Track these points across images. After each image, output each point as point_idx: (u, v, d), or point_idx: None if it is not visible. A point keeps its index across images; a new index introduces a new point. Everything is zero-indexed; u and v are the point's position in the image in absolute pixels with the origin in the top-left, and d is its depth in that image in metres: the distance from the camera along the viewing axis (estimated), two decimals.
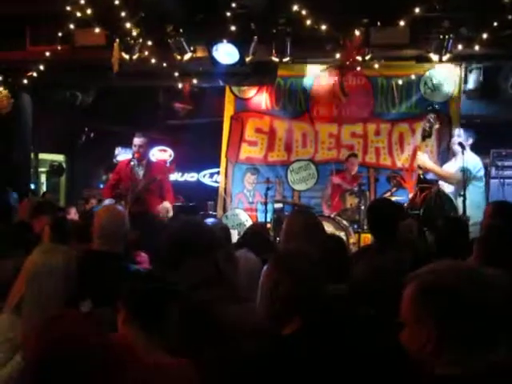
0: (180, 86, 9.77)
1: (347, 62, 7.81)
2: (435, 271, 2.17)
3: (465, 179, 8.13)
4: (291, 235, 5.48)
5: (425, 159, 8.55)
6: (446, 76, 10.74)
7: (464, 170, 8.20)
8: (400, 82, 11.03)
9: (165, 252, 3.71)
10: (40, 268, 3.49)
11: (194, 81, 9.61)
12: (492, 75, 10.53)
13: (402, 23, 7.24)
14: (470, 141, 8.82)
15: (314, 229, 5.59)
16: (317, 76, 11.42)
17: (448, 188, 8.64)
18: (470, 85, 10.74)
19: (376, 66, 8.53)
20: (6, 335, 3.37)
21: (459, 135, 8.72)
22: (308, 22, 7.26)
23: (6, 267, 3.90)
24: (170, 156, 14.25)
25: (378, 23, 7.24)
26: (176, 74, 9.11)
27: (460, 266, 2.24)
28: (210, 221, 5.63)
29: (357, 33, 7.27)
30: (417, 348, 2.12)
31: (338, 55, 7.91)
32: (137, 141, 9.25)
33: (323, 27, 7.31)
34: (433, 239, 6.09)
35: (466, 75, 10.72)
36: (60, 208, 9.86)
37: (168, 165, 9.39)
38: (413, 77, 10.85)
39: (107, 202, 9.16)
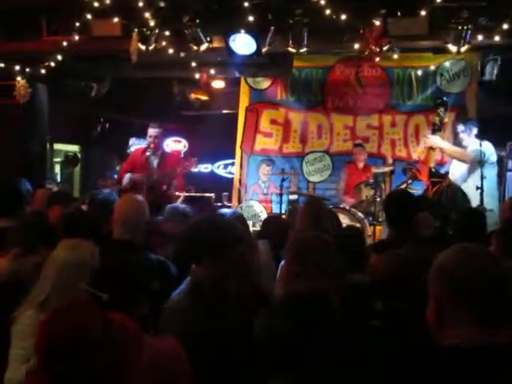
0: (197, 76, 9.71)
1: (366, 53, 7.71)
2: (447, 252, 2.33)
3: (482, 170, 8.09)
4: (304, 224, 5.48)
5: (436, 139, 8.52)
6: (463, 67, 10.66)
7: (478, 153, 8.20)
8: (416, 73, 10.96)
9: (186, 248, 3.69)
10: (67, 265, 3.47)
11: (212, 71, 9.53)
12: (509, 66, 10.43)
13: (422, 13, 7.14)
14: (475, 130, 8.79)
15: (325, 217, 5.60)
16: (332, 67, 11.38)
17: (459, 170, 8.61)
18: (487, 76, 10.64)
19: (395, 56, 8.41)
20: (30, 332, 3.35)
21: (463, 130, 8.72)
22: (327, 12, 7.17)
23: (28, 264, 3.88)
24: (185, 147, 14.26)
25: (398, 13, 7.15)
26: (194, 64, 9.04)
27: (468, 249, 2.32)
28: (226, 211, 5.60)
29: (377, 23, 7.18)
30: (428, 322, 2.28)
31: (356, 45, 7.82)
32: (152, 131, 9.27)
33: (342, 17, 7.22)
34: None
35: (482, 66, 10.62)
36: (74, 198, 9.88)
37: (192, 159, 9.38)
38: (430, 68, 10.77)
39: (128, 175, 9.17)
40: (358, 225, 9.41)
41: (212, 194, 11.29)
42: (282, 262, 4.84)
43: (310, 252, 3.52)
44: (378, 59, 8.30)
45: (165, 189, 9.16)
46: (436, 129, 8.36)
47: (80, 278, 3.42)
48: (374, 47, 7.38)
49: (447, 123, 9.51)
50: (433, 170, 8.30)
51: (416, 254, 3.62)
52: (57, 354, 2.24)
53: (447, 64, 10.72)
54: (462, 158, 8.52)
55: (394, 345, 2.83)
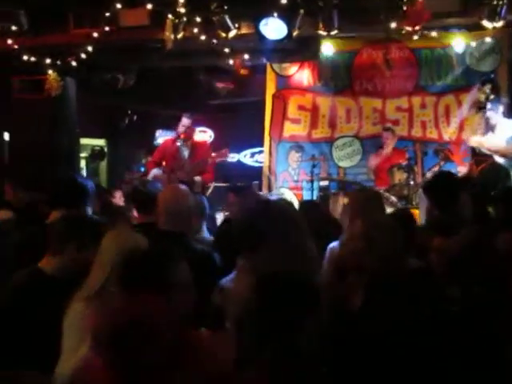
0: (231, 62, 9.63)
1: (404, 32, 7.58)
2: None
3: None
4: (355, 213, 5.36)
5: (480, 141, 8.39)
6: (493, 45, 10.49)
7: None
8: (445, 52, 10.81)
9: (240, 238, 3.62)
10: (118, 254, 3.40)
11: (246, 56, 9.44)
12: None
13: None
14: (501, 108, 8.65)
15: (376, 204, 5.48)
16: (359, 50, 11.26)
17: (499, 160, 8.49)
18: None
19: (434, 34, 8.26)
20: (79, 325, 3.29)
21: (489, 108, 8.56)
22: None
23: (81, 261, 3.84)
24: (210, 137, 14.20)
25: None
26: (227, 50, 8.96)
27: None
28: (273, 197, 5.56)
29: None
30: None
31: (393, 25, 7.68)
32: (185, 121, 9.30)
33: None
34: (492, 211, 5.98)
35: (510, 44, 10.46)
36: (107, 190, 9.88)
37: (223, 150, 9.40)
38: (459, 47, 10.59)
39: (155, 171, 9.17)
40: (391, 209, 9.31)
41: (256, 182, 11.20)
42: (331, 245, 4.79)
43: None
44: (415, 37, 8.10)
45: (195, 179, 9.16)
46: (482, 107, 8.21)
47: None
48: (415, 26, 7.22)
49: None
50: (476, 149, 8.14)
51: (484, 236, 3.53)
52: (119, 343, 2.19)
53: (477, 42, 10.53)
54: (508, 155, 8.34)
55: (479, 331, 2.75)
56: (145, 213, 5.28)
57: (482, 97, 8.18)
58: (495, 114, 8.62)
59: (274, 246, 3.47)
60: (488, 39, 10.33)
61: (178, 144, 9.31)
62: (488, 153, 8.44)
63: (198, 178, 9.35)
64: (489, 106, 8.69)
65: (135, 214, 6.14)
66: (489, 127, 8.52)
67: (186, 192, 4.80)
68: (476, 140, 8.37)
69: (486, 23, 7.64)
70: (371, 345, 2.78)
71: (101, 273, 3.42)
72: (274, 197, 6.71)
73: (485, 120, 8.79)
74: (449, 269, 3.33)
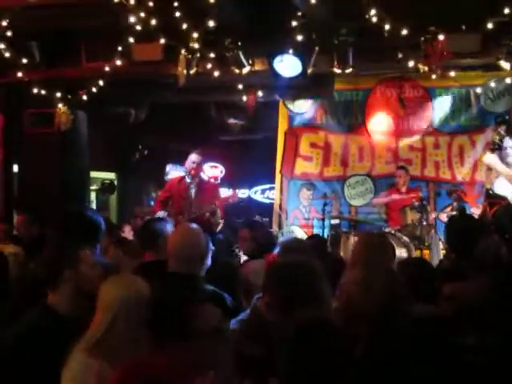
0: (244, 99, 9.56)
1: (422, 70, 7.49)
2: None
3: None
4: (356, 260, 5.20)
5: (495, 160, 8.20)
6: (508, 86, 10.40)
7: None
8: (460, 92, 10.74)
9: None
10: (119, 304, 3.27)
11: (260, 93, 9.38)
12: None
13: (476, 29, 6.95)
14: None
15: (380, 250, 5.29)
16: (373, 88, 11.20)
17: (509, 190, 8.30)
18: None
19: (452, 74, 8.18)
20: (80, 378, 3.17)
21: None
22: (386, 27, 6.95)
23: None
24: (221, 172, 14.13)
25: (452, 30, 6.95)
26: (240, 86, 8.90)
27: None
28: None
29: (440, 37, 6.95)
30: None
31: (411, 63, 7.59)
32: (195, 157, 9.16)
33: (403, 32, 6.98)
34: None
35: None
36: (117, 226, 9.78)
37: (233, 192, 9.36)
38: (473, 87, 10.54)
39: (161, 214, 9.05)
40: (403, 249, 9.18)
41: (266, 219, 11.09)
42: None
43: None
44: (434, 76, 8.01)
45: (207, 217, 9.02)
46: (496, 148, 8.05)
47: (133, 317, 3.25)
48: (434, 64, 7.14)
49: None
50: (490, 191, 7.97)
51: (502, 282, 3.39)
52: None
53: (491, 83, 10.45)
54: None
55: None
56: (150, 250, 5.18)
57: (497, 138, 8.00)
58: None
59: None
60: (503, 80, 10.24)
61: (187, 181, 9.18)
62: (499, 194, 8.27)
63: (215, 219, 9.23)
64: (510, 143, 8.44)
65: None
66: (505, 163, 8.33)
67: (199, 233, 4.67)
68: (490, 159, 8.20)
69: (503, 64, 7.54)
70: None
71: (101, 322, 3.28)
72: (285, 236, 6.63)
73: (500, 157, 8.59)
74: (464, 316, 3.19)
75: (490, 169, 8.30)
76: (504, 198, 8.18)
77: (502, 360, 2.77)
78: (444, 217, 10.07)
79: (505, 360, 2.75)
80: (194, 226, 4.85)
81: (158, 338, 2.92)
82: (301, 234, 11.15)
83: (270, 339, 3.08)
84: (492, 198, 8.18)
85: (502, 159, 8.51)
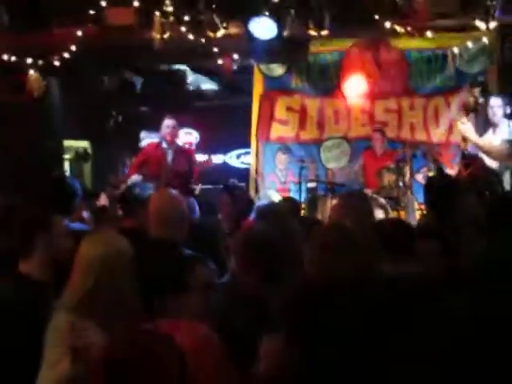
0: (220, 62, 9.46)
1: (401, 32, 7.44)
2: None
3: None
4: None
5: (467, 128, 8.17)
6: (482, 47, 10.37)
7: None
8: (434, 54, 10.71)
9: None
10: (97, 262, 3.23)
11: (235, 56, 9.28)
12: None
13: None
14: (509, 109, 8.44)
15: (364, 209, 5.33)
16: (348, 51, 11.12)
17: (492, 164, 8.29)
18: (507, 54, 10.37)
19: (429, 35, 8.12)
20: (62, 339, 3.14)
21: (500, 105, 8.29)
22: None
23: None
24: (196, 138, 14.02)
25: None
26: (216, 49, 8.81)
27: None
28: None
29: None
30: None
31: (388, 25, 7.55)
32: (169, 122, 9.10)
33: None
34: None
35: (502, 45, 10.35)
36: (93, 193, 9.69)
37: (207, 159, 9.32)
38: (448, 49, 10.51)
39: (135, 177, 8.98)
40: (380, 211, 9.22)
41: (243, 183, 11.05)
42: None
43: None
44: (411, 38, 7.97)
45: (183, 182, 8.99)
46: (471, 110, 8.03)
47: (116, 274, 3.23)
48: (412, 26, 7.09)
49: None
50: (465, 152, 7.97)
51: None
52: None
53: (466, 44, 10.42)
54: (493, 155, 8.06)
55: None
56: (132, 216, 5.14)
57: (472, 100, 7.98)
58: (501, 113, 8.30)
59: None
60: (478, 40, 10.23)
61: (164, 147, 9.12)
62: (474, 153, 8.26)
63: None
64: (499, 102, 8.34)
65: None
66: (490, 124, 8.28)
67: (180, 198, 4.66)
68: (463, 127, 8.16)
69: (479, 24, 7.52)
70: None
71: (82, 280, 3.23)
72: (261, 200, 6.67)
73: (491, 122, 8.49)
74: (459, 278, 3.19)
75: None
76: (479, 158, 8.20)
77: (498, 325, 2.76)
78: (420, 178, 10.13)
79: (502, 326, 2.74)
80: (174, 191, 4.84)
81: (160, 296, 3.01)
82: (277, 198, 11.10)
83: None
84: (467, 159, 8.20)
85: (478, 124, 8.50)
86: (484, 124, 9.31)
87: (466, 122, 8.15)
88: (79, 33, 8.33)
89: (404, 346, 2.65)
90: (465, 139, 7.97)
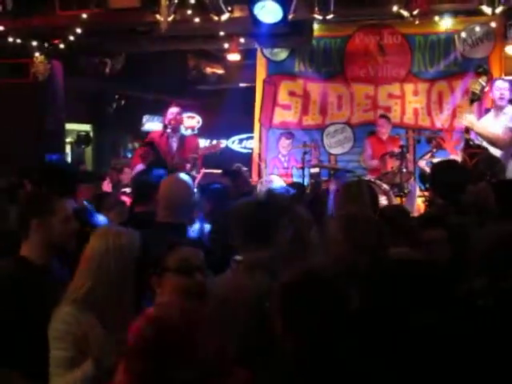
0: (226, 46, 9.42)
1: (406, 17, 7.40)
2: None
3: None
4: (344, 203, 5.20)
5: (473, 120, 8.08)
6: (486, 32, 10.35)
7: None
8: (438, 39, 10.67)
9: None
10: (105, 254, 3.22)
11: (242, 40, 9.24)
12: None
13: None
14: (510, 95, 8.34)
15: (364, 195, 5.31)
16: (352, 36, 11.08)
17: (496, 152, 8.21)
18: (511, 39, 10.32)
19: (436, 20, 8.06)
20: (68, 329, 3.11)
21: (508, 88, 8.12)
22: None
23: None
24: (198, 122, 14.01)
25: None
26: (222, 33, 8.77)
27: None
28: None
29: None
30: None
31: (394, 8, 7.51)
32: (174, 109, 9.08)
33: None
34: None
35: (506, 30, 10.30)
36: (100, 177, 9.64)
37: (219, 143, 9.27)
38: (452, 33, 10.47)
39: (140, 167, 8.96)
40: (383, 197, 9.20)
41: (246, 168, 11.03)
42: None
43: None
44: (417, 22, 7.92)
45: (189, 168, 8.97)
46: (476, 99, 7.92)
47: (122, 266, 3.22)
48: (417, 10, 7.03)
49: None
50: (470, 142, 7.87)
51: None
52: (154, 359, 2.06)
53: (470, 29, 10.40)
54: (498, 144, 7.97)
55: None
56: (144, 202, 5.14)
57: (477, 88, 7.87)
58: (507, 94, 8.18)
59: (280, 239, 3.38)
60: (481, 26, 10.19)
61: (167, 132, 9.10)
62: (480, 143, 8.19)
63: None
64: (508, 85, 8.17)
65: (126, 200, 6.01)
66: (495, 108, 8.15)
67: (189, 183, 4.66)
68: (468, 119, 8.07)
69: (485, 8, 7.47)
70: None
71: (84, 274, 3.23)
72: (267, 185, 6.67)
73: (495, 106, 8.34)
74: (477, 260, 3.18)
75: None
76: (483, 148, 8.13)
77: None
78: (423, 164, 10.10)
79: None
80: (183, 175, 4.83)
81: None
82: (280, 183, 11.09)
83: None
84: (472, 149, 8.13)
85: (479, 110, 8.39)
86: (485, 110, 9.29)
87: (469, 115, 8.04)
88: (84, 15, 8.27)
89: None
90: (468, 130, 7.85)
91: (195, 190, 5.41)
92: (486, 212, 4.95)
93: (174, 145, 9.13)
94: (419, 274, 3.26)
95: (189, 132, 12.43)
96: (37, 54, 9.25)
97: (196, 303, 2.76)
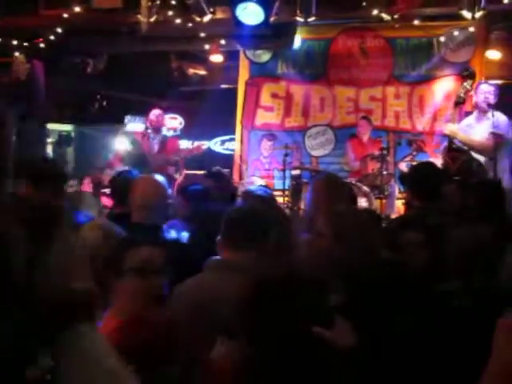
0: (206, 47, 9.44)
1: (387, 19, 7.45)
2: None
3: (499, 146, 7.69)
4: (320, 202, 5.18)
5: (455, 129, 8.08)
6: (468, 36, 10.42)
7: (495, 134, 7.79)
8: (420, 43, 10.73)
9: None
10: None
11: (222, 41, 9.26)
12: None
13: None
14: (493, 99, 8.35)
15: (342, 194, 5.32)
16: (335, 38, 11.13)
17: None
18: (492, 44, 10.40)
19: (416, 23, 8.10)
20: None
21: (489, 92, 8.12)
22: None
23: None
24: (181, 123, 13.97)
25: None
26: (202, 34, 8.78)
27: None
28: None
29: None
30: None
31: (375, 12, 7.56)
32: (156, 111, 9.15)
33: None
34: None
35: (487, 34, 10.38)
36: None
37: (199, 146, 9.28)
38: (434, 37, 10.54)
39: (120, 167, 8.95)
40: (363, 199, 9.25)
41: (227, 170, 11.02)
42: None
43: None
44: (397, 26, 7.96)
45: (171, 170, 9.00)
46: (461, 102, 7.92)
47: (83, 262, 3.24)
48: (398, 13, 7.08)
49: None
50: (453, 145, 7.87)
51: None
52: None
53: (452, 33, 10.46)
54: (483, 153, 7.96)
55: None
56: (121, 203, 5.14)
57: (463, 91, 7.89)
58: (492, 102, 8.15)
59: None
60: (465, 29, 10.25)
61: (150, 136, 9.12)
62: (462, 146, 8.19)
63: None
64: (491, 88, 8.14)
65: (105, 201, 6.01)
66: (481, 111, 8.09)
67: (162, 184, 4.67)
68: (451, 129, 8.08)
69: (465, 13, 7.53)
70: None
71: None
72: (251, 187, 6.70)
73: (478, 109, 8.32)
74: (446, 262, 3.22)
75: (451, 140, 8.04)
76: (466, 152, 8.14)
77: (489, 301, 2.80)
78: (403, 166, 10.15)
79: (492, 301, 2.78)
80: (158, 176, 4.86)
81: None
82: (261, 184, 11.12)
83: None
84: (454, 151, 8.16)
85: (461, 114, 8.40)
86: (465, 113, 9.32)
87: (452, 124, 7.99)
88: (65, 15, 8.24)
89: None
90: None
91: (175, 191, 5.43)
92: (463, 213, 5.01)
93: (156, 146, 9.14)
94: (396, 275, 3.31)
95: (171, 133, 12.42)
96: (16, 54, 9.21)
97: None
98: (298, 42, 10.62)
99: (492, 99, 7.77)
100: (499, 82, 10.33)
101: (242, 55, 11.47)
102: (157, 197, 4.55)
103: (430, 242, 4.11)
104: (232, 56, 11.36)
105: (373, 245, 3.31)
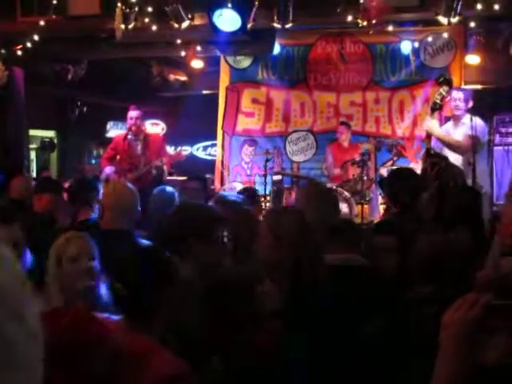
0: (183, 54, 9.44)
1: (361, 25, 7.46)
2: None
3: (475, 147, 7.75)
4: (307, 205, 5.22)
5: (433, 125, 8.11)
6: (447, 41, 10.48)
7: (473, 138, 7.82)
8: (400, 48, 10.76)
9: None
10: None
11: (198, 47, 9.26)
12: (492, 39, 10.23)
13: None
14: (471, 103, 8.41)
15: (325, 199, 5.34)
16: (314, 44, 11.16)
17: (456, 160, 8.25)
18: (471, 49, 10.46)
19: (390, 29, 8.15)
20: None
21: (462, 99, 8.19)
22: None
23: None
24: (163, 129, 14.00)
25: None
26: (178, 41, 8.77)
27: None
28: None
29: None
30: None
31: (349, 18, 7.58)
32: (133, 113, 9.04)
33: None
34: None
35: (465, 39, 10.44)
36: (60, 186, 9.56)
37: (180, 153, 9.27)
38: (413, 43, 10.59)
39: (108, 170, 8.92)
40: (344, 204, 9.25)
41: (210, 176, 11.03)
42: None
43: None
44: (371, 32, 7.99)
45: (154, 174, 8.98)
46: (437, 108, 7.92)
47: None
48: (373, 19, 7.09)
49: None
50: (431, 151, 7.88)
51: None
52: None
53: (431, 38, 10.52)
54: (458, 150, 8.00)
55: None
56: (85, 208, 5.15)
57: (438, 98, 7.90)
58: (464, 107, 8.16)
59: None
60: (442, 35, 10.31)
61: (129, 137, 9.06)
62: (439, 146, 8.21)
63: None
64: (461, 95, 8.17)
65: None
66: (453, 118, 8.15)
67: (132, 189, 4.67)
68: (428, 124, 8.09)
69: (441, 19, 7.56)
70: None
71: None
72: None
73: (454, 116, 8.36)
74: (419, 268, 3.23)
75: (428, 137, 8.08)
76: (445, 158, 8.16)
77: None
78: (384, 171, 10.17)
79: None
80: (126, 182, 4.87)
81: None
82: None
83: None
84: (433, 157, 8.17)
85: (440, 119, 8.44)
86: (445, 118, 9.38)
87: (431, 119, 8.04)
88: (41, 22, 8.21)
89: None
90: (428, 136, 7.87)
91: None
92: (439, 219, 5.05)
93: (139, 148, 9.08)
94: (360, 279, 3.32)
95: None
96: None
97: None
98: (277, 48, 10.63)
99: (463, 105, 7.83)
100: (479, 86, 10.48)
101: (222, 61, 11.48)
102: (127, 202, 4.53)
103: (403, 248, 4.13)
104: (212, 62, 11.38)
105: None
